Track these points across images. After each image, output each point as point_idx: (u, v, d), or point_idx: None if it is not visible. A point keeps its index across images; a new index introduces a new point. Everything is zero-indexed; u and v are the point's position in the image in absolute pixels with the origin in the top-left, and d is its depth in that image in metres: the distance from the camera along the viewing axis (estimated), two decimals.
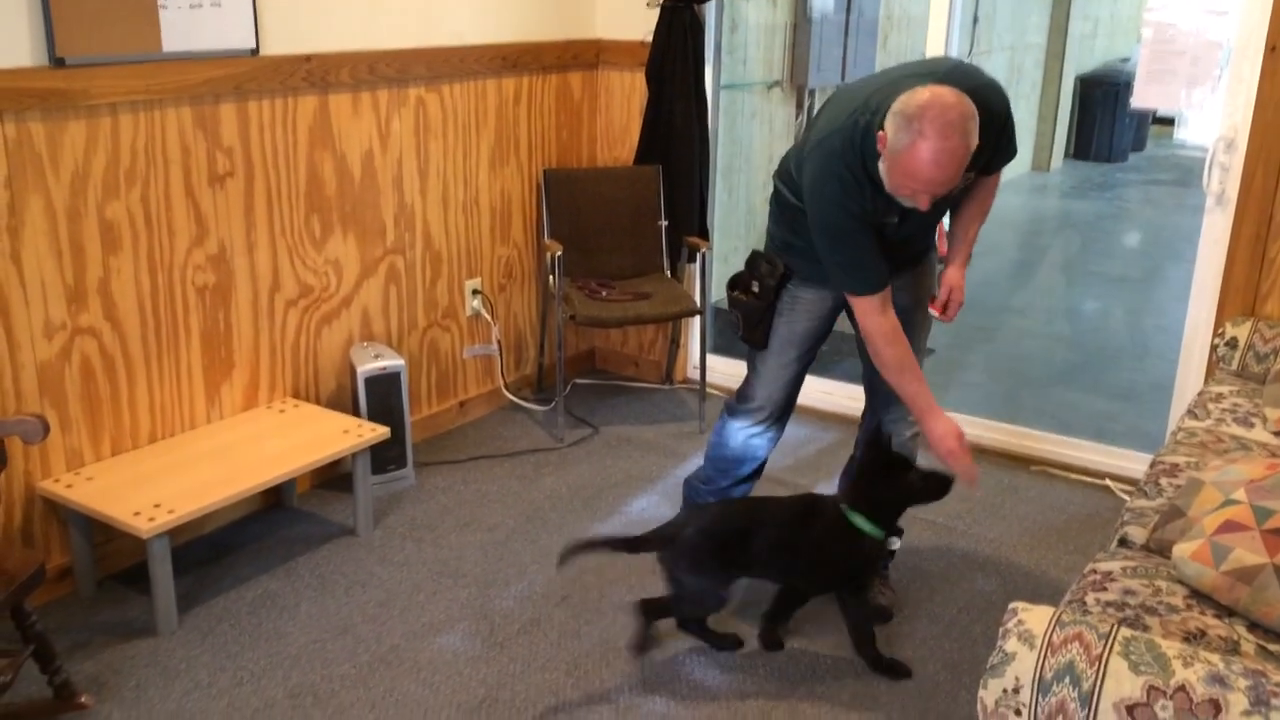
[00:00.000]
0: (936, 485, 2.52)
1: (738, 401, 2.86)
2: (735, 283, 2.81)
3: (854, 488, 2.56)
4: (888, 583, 2.92)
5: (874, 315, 2.51)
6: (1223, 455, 2.51)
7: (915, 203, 2.32)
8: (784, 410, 2.86)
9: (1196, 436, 2.66)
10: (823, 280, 2.65)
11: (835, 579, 2.56)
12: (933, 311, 2.70)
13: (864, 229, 2.43)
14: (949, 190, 2.33)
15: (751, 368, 2.85)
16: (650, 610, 2.61)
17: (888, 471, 2.53)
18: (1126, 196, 8.75)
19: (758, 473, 2.96)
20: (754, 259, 2.78)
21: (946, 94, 2.23)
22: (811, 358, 2.84)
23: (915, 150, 2.21)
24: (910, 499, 2.55)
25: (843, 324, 2.76)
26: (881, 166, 2.32)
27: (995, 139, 2.44)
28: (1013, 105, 2.49)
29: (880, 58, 6.56)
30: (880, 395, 2.78)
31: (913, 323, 2.68)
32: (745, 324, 2.79)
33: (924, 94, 2.23)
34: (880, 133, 2.28)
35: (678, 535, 2.54)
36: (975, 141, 2.24)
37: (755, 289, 2.76)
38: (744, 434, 2.86)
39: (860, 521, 2.49)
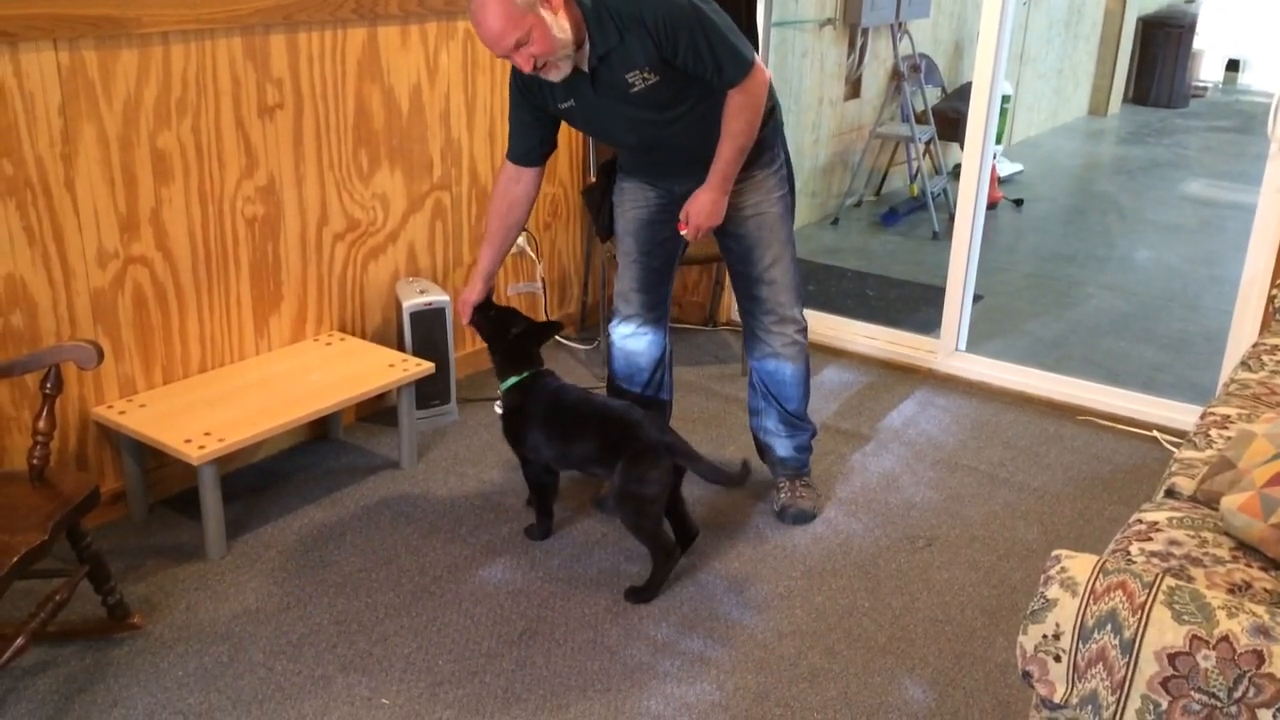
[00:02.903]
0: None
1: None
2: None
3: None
4: (805, 481, 3.05)
5: (500, 172, 2.80)
6: (1276, 408, 2.47)
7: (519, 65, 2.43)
8: (648, 309, 2.94)
9: (1249, 389, 2.61)
10: (632, 167, 2.81)
11: None
12: (682, 232, 2.73)
13: (524, 102, 2.66)
14: (508, 50, 2.36)
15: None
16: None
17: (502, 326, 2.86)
18: (1186, 143, 8.53)
19: (660, 381, 3.03)
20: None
21: None
22: (662, 257, 2.91)
23: None
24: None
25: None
26: None
27: (657, 42, 2.44)
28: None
29: None
30: (750, 303, 2.91)
31: (744, 246, 2.82)
32: (591, 211, 2.98)
33: None
34: None
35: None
36: (504, 7, 2.28)
37: (594, 178, 2.93)
38: (616, 335, 2.98)
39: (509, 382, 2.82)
